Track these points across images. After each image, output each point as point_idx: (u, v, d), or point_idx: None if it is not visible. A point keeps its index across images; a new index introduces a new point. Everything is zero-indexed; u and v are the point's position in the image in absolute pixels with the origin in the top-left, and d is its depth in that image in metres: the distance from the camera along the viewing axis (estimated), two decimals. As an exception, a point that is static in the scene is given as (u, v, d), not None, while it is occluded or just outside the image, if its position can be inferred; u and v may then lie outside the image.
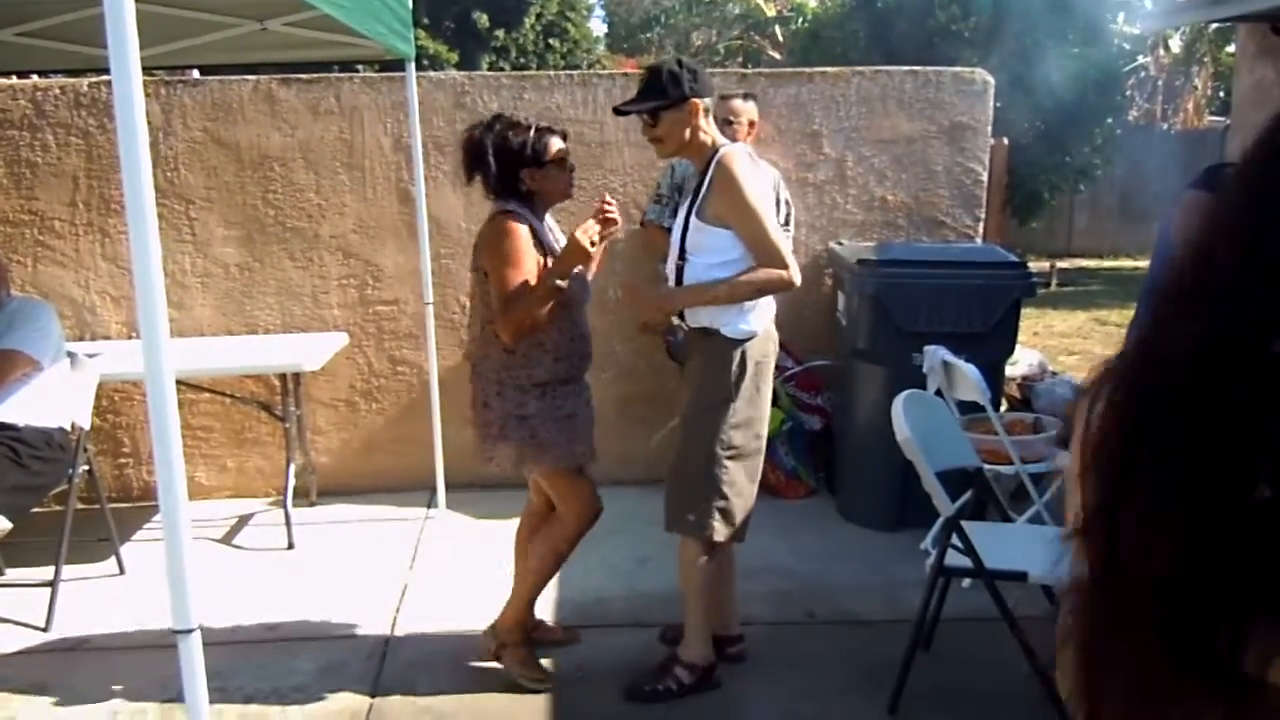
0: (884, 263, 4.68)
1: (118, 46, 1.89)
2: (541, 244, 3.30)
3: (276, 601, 4.19)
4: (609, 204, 3.27)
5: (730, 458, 3.24)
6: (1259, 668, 0.62)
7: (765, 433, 3.36)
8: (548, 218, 3.48)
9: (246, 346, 5.07)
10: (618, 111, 3.31)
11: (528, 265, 3.21)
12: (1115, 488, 0.70)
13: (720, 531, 3.27)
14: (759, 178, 3.21)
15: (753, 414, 3.27)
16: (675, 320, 3.36)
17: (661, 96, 3.13)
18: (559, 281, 3.20)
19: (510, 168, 3.28)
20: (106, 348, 4.75)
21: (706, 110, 3.17)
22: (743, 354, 3.20)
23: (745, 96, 4.91)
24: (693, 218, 3.18)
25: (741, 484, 3.29)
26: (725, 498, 3.25)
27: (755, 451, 3.32)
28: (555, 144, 3.33)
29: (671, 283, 3.30)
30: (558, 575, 4.33)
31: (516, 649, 3.54)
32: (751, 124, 4.89)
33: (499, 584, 4.04)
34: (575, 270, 3.28)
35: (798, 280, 3.17)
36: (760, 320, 3.25)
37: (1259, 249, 0.66)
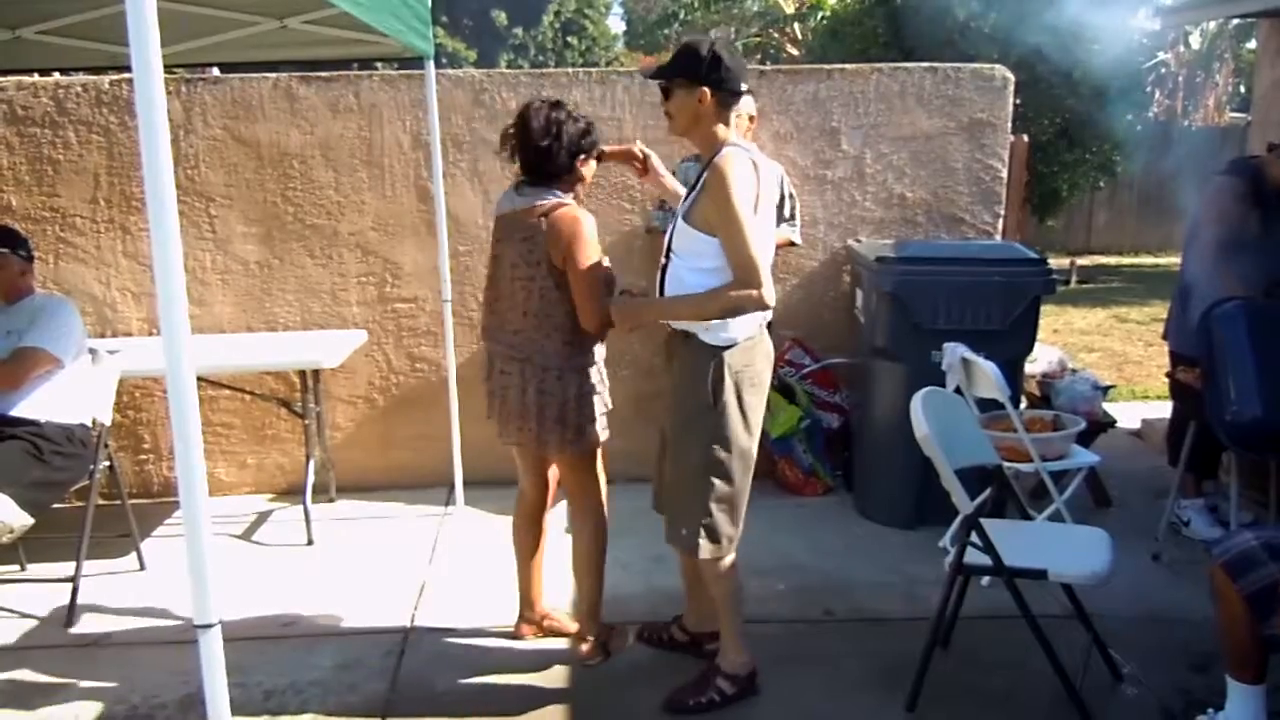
0: (903, 260, 4.66)
1: (139, 44, 1.89)
2: None
3: (295, 597, 4.21)
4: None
5: (716, 474, 3.13)
6: None
7: (755, 444, 3.21)
8: None
9: (266, 343, 5.09)
10: (645, 73, 3.32)
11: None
12: None
13: (705, 549, 3.18)
14: (753, 182, 3.03)
15: (737, 427, 3.12)
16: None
17: (677, 73, 3.05)
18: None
19: (572, 153, 3.33)
20: (127, 344, 4.78)
21: (722, 103, 3.04)
22: (719, 362, 3.06)
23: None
24: (679, 220, 3.09)
25: (728, 499, 3.18)
26: (711, 514, 3.15)
27: (743, 465, 3.18)
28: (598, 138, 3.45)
29: (656, 281, 3.21)
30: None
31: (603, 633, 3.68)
32: (751, 119, 4.85)
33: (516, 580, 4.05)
34: None
35: (771, 300, 2.98)
36: (742, 327, 3.09)
37: None
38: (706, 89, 3.01)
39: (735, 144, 3.07)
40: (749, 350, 3.13)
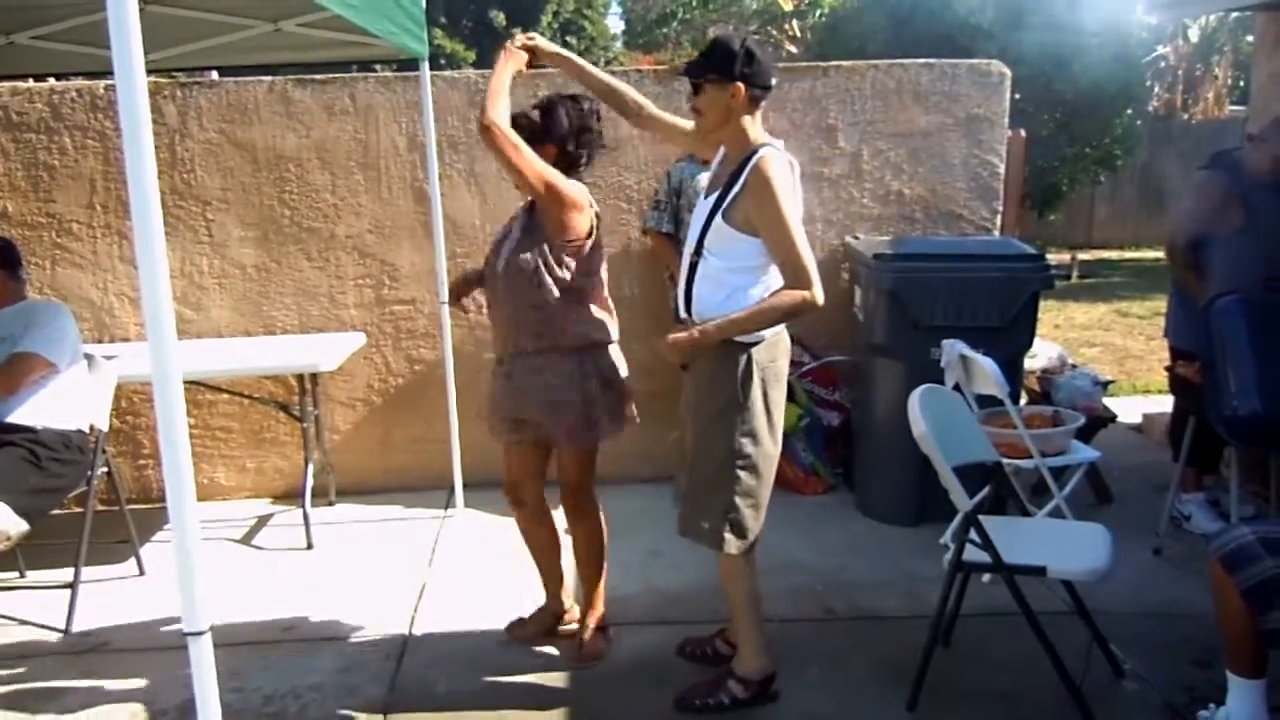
0: (901, 257, 4.65)
1: (121, 50, 1.88)
2: None
3: (295, 601, 4.20)
4: None
5: (742, 467, 3.12)
6: None
7: (779, 440, 3.23)
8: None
9: (264, 347, 5.08)
10: (678, 71, 3.37)
11: None
12: None
13: (732, 543, 3.17)
14: (792, 181, 3.06)
15: (763, 422, 3.13)
16: (684, 316, 3.22)
17: (709, 69, 3.01)
18: None
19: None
20: (125, 349, 4.77)
21: (754, 99, 3.04)
22: (748, 359, 3.07)
23: None
24: (718, 218, 3.04)
25: (754, 494, 3.17)
26: (737, 509, 3.14)
27: (768, 461, 3.19)
28: None
29: (683, 278, 3.17)
30: (575, 574, 4.34)
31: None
32: None
33: (518, 583, 4.04)
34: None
35: (820, 299, 2.96)
36: None
37: None
38: (740, 85, 2.99)
39: (767, 142, 3.07)
40: (773, 346, 3.15)
